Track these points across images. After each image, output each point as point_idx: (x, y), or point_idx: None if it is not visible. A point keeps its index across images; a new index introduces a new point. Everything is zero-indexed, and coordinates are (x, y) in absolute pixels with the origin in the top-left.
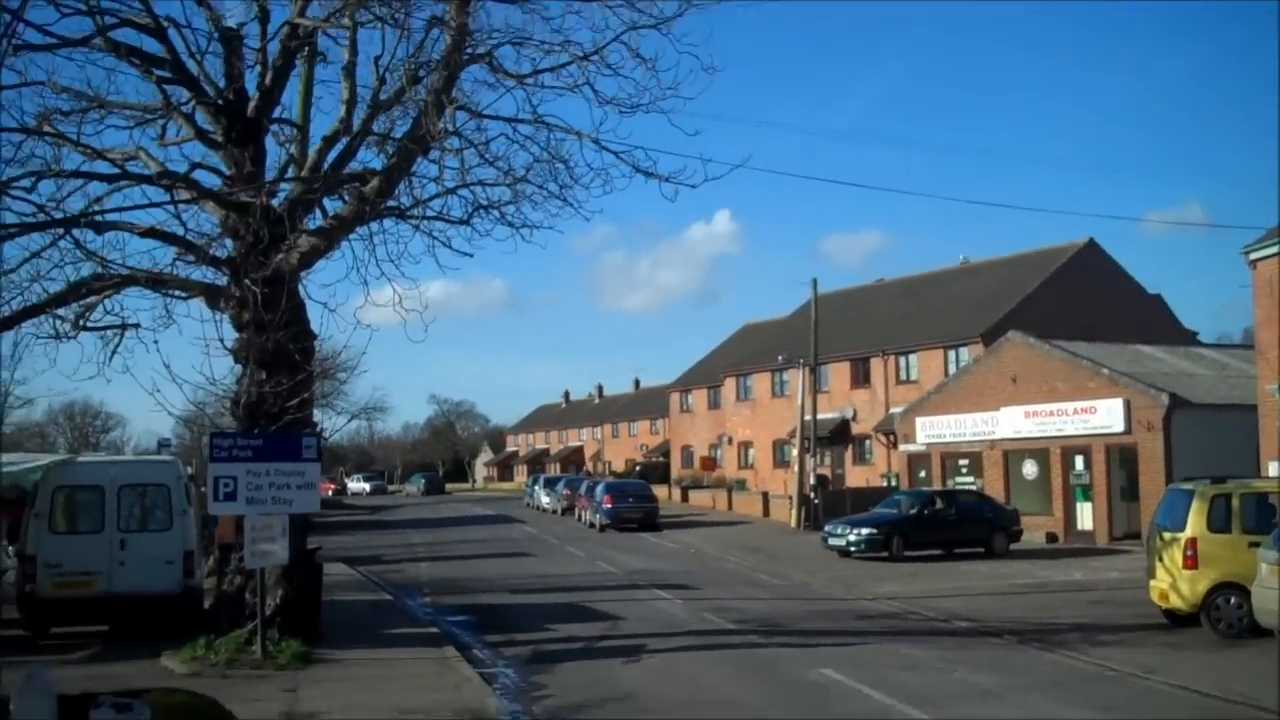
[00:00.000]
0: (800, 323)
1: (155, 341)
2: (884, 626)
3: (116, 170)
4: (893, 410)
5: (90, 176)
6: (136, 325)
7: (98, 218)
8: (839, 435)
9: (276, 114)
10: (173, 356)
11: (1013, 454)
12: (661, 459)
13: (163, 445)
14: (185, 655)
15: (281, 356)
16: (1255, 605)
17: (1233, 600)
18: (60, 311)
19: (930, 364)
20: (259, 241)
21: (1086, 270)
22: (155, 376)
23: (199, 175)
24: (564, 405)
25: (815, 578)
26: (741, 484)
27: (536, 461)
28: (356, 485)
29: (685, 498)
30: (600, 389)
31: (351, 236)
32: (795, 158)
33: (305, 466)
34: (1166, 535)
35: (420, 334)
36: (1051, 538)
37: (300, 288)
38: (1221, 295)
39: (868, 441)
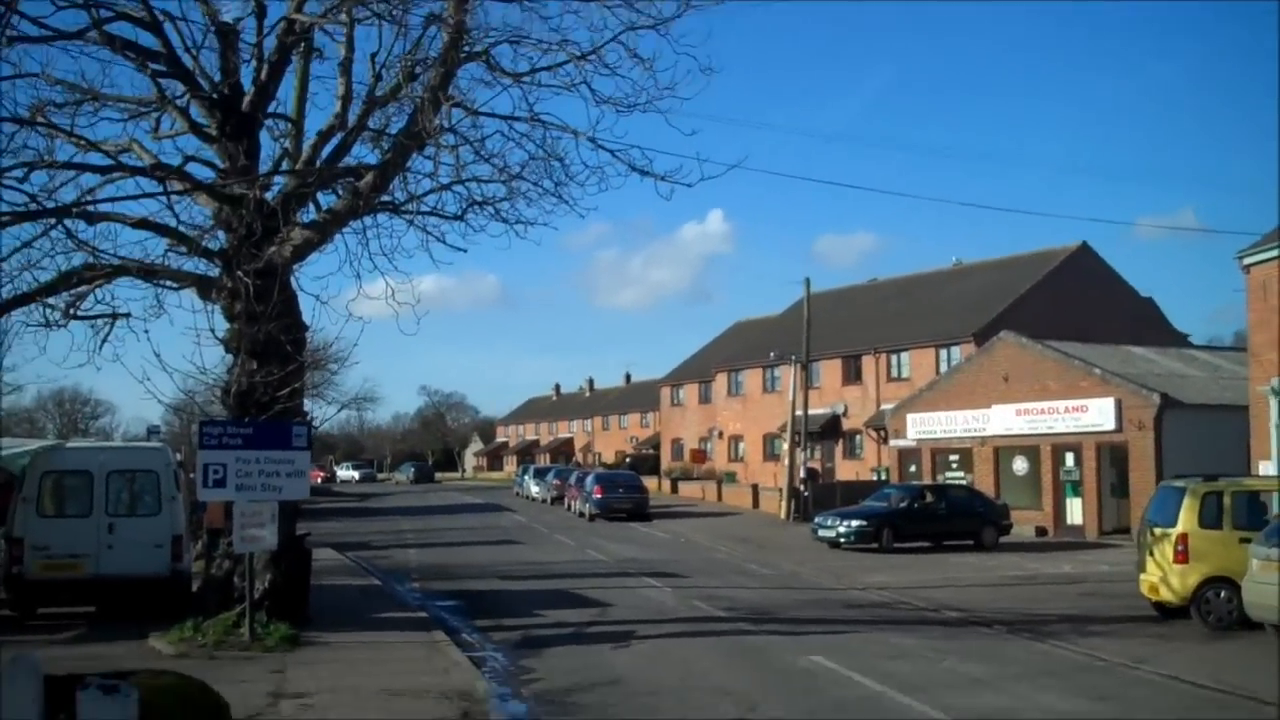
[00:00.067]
0: (792, 321)
1: (146, 330)
2: (874, 615)
3: (110, 162)
4: (884, 407)
5: (83, 168)
6: (127, 314)
7: (90, 208)
8: (829, 430)
9: (271, 109)
10: (163, 345)
11: (1003, 450)
12: (651, 451)
13: (152, 432)
14: (173, 636)
15: (273, 347)
16: (1246, 599)
17: (1223, 594)
18: (51, 300)
19: (922, 362)
20: (252, 234)
21: (1079, 273)
22: (145, 365)
23: (192, 169)
24: (555, 398)
25: (805, 568)
26: (731, 476)
27: (526, 452)
28: (346, 473)
29: (675, 489)
30: (591, 382)
31: (345, 230)
32: (789, 159)
33: (295, 454)
34: (1158, 530)
35: (412, 327)
36: (1041, 532)
37: (292, 280)
38: (1213, 299)
39: (858, 437)
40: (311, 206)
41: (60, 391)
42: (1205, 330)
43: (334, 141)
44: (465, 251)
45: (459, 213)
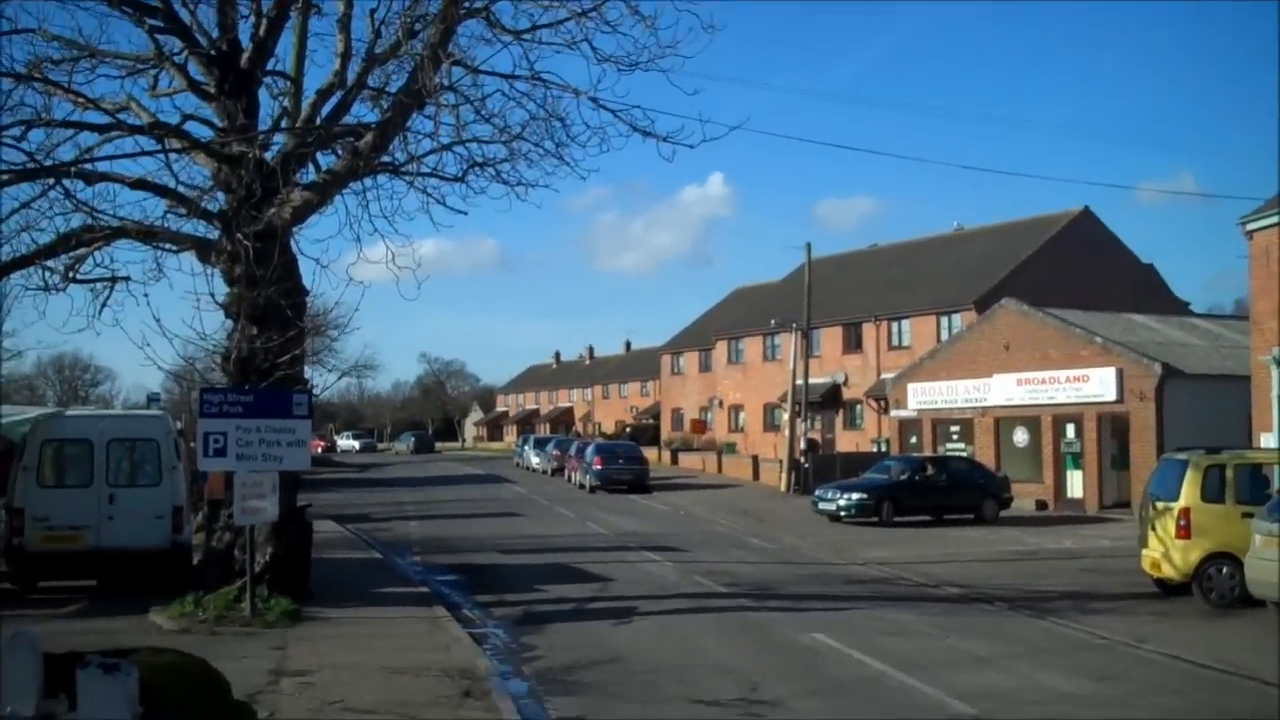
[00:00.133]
0: (793, 286)
1: (145, 295)
2: (874, 591)
3: (108, 120)
4: (884, 376)
5: (81, 126)
6: (126, 278)
7: (88, 167)
8: (830, 400)
9: (270, 66)
10: (163, 310)
11: (1004, 421)
12: (651, 421)
13: (152, 400)
14: (174, 611)
15: (273, 312)
16: (1249, 576)
17: (1225, 570)
18: (50, 263)
19: (923, 330)
20: (251, 195)
21: (1081, 238)
22: (145, 330)
23: (191, 127)
24: (554, 366)
25: (805, 542)
26: (731, 447)
27: (526, 422)
28: (346, 443)
29: (675, 460)
30: (591, 350)
31: (345, 192)
32: (789, 121)
33: (296, 423)
34: (1160, 505)
35: (413, 292)
36: (1041, 505)
37: (292, 243)
38: (1213, 267)
39: (858, 406)
40: (311, 167)
41: (60, 357)
42: (1205, 297)
43: (333, 100)
44: (466, 214)
45: (459, 174)
